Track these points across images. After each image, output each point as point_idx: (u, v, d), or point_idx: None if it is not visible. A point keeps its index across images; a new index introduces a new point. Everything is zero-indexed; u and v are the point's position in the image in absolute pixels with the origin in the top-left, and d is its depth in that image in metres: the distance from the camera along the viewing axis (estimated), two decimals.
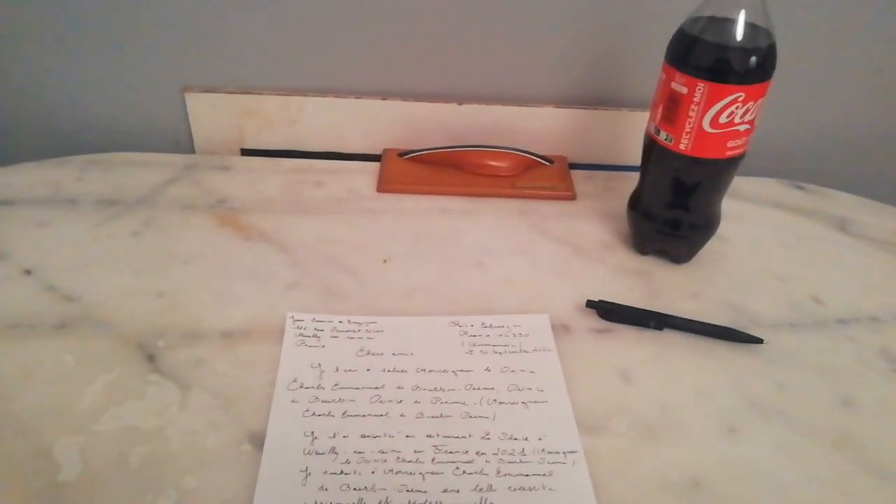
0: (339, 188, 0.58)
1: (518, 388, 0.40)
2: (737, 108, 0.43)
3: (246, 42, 0.59)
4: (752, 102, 0.43)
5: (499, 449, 0.37)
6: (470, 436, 0.37)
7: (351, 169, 0.60)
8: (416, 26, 0.58)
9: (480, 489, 0.34)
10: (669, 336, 0.45)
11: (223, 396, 0.39)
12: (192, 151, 0.63)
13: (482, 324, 0.45)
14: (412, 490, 0.34)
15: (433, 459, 0.36)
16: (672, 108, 0.45)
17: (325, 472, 0.35)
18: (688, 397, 0.41)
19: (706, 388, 0.41)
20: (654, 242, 0.51)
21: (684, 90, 0.44)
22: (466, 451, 0.36)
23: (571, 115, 0.62)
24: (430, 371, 0.41)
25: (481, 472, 0.35)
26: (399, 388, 0.40)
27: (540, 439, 0.37)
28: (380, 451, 0.36)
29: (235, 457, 0.36)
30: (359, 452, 0.36)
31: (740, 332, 0.44)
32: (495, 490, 0.34)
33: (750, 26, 0.42)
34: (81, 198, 0.54)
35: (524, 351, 0.43)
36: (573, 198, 0.58)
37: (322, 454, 0.36)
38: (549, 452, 0.36)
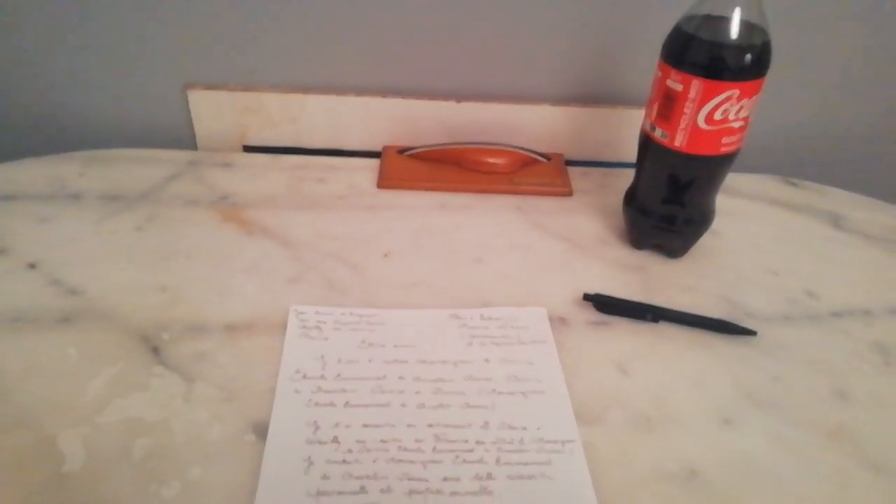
0: (340, 184, 0.58)
1: (517, 378, 0.41)
2: (731, 105, 0.44)
3: (248, 40, 0.59)
4: (746, 99, 0.44)
5: (498, 438, 0.37)
6: (470, 425, 0.38)
7: (351, 165, 0.61)
8: (416, 25, 0.58)
9: (480, 477, 0.35)
10: (665, 329, 0.45)
11: (227, 388, 0.39)
12: (195, 148, 0.64)
13: (481, 316, 0.45)
14: (413, 478, 0.35)
15: (434, 448, 0.36)
16: (667, 105, 0.46)
17: (328, 461, 0.35)
18: (683, 389, 0.41)
19: (701, 380, 0.42)
20: (650, 237, 0.52)
21: (679, 87, 0.45)
22: (466, 441, 0.37)
23: (568, 113, 0.62)
24: (430, 362, 0.42)
25: (481, 461, 0.36)
26: (400, 378, 0.40)
27: (538, 429, 0.38)
28: (381, 441, 0.37)
29: (239, 448, 0.36)
30: (360, 442, 0.37)
31: (734, 325, 0.45)
32: (494, 478, 0.35)
33: (745, 24, 0.42)
34: (84, 193, 0.55)
35: (522, 343, 0.43)
36: (570, 194, 0.59)
37: (324, 444, 0.36)
38: (547, 442, 0.37)
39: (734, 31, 0.43)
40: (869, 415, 0.40)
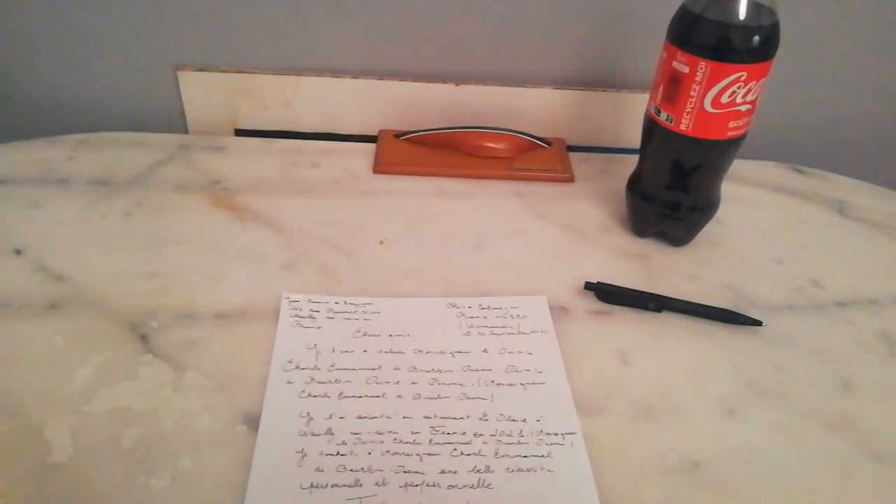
0: (335, 169, 0.57)
1: (516, 369, 0.40)
2: (739, 87, 0.43)
3: (240, 20, 0.57)
4: (754, 82, 0.43)
5: (497, 430, 0.36)
6: (468, 417, 0.37)
7: (346, 150, 0.59)
8: (414, 5, 0.57)
9: (478, 470, 0.34)
10: (668, 318, 0.44)
11: (217, 377, 0.38)
12: (186, 131, 0.62)
13: (480, 305, 0.44)
14: (409, 471, 0.34)
15: (430, 440, 0.35)
16: (673, 87, 0.45)
17: (322, 453, 0.34)
18: (686, 379, 0.40)
19: (705, 371, 0.41)
20: (653, 225, 0.51)
21: (686, 69, 0.43)
22: (464, 433, 0.36)
23: (570, 97, 0.61)
24: (427, 352, 0.41)
25: (479, 454, 0.35)
26: (396, 369, 0.39)
27: (538, 420, 0.37)
28: (376, 433, 0.36)
29: (230, 438, 0.35)
30: (355, 433, 0.36)
31: (739, 315, 0.44)
32: (493, 471, 0.34)
33: (753, 4, 0.41)
34: (73, 177, 0.53)
35: (522, 332, 0.42)
36: (571, 180, 0.58)
37: (318, 435, 0.35)
38: (548, 434, 0.36)
39: (742, 11, 0.41)
40: (873, 405, 0.40)
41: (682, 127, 0.45)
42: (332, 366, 0.39)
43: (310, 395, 0.37)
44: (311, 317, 0.42)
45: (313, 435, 0.35)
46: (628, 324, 0.44)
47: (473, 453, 0.35)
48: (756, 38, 0.42)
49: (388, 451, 0.35)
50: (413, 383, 0.39)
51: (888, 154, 0.66)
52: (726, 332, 0.44)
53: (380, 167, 0.57)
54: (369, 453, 0.35)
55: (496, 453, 0.35)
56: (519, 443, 0.36)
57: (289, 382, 0.38)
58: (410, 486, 0.33)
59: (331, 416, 0.36)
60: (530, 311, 0.44)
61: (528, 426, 0.37)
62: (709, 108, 0.44)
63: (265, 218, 0.51)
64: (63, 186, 0.52)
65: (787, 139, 0.65)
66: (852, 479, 0.35)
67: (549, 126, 0.62)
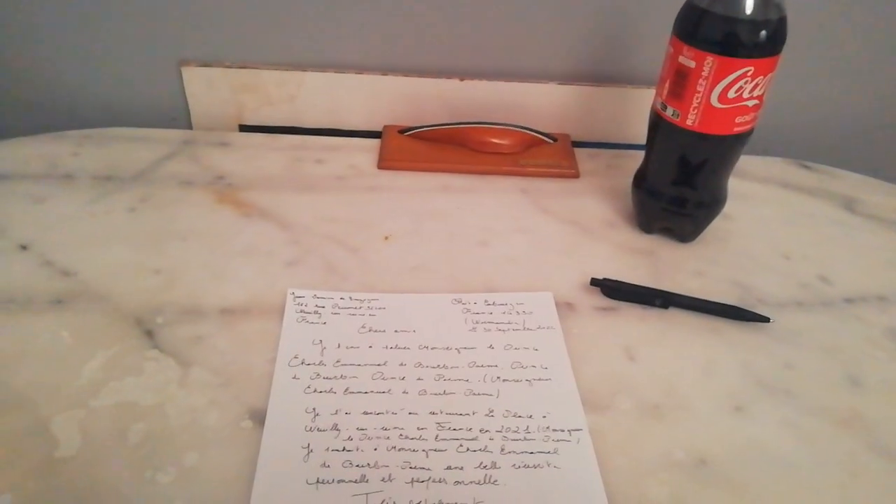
0: (340, 165, 0.57)
1: (522, 365, 0.40)
2: (746, 82, 0.42)
3: (244, 15, 0.57)
4: (761, 77, 0.43)
5: (503, 426, 0.36)
6: (474, 413, 0.37)
7: (351, 146, 0.59)
8: (418, 0, 0.57)
9: (484, 466, 0.34)
10: (675, 314, 0.44)
11: (223, 373, 0.38)
12: (190, 127, 0.62)
13: (485, 301, 0.44)
14: (415, 467, 0.34)
15: (436, 437, 0.35)
16: (679, 82, 0.44)
17: (327, 448, 0.34)
18: (693, 376, 0.40)
19: (712, 367, 0.41)
20: (659, 221, 0.51)
21: (692, 64, 0.43)
22: (470, 429, 0.36)
23: (575, 92, 0.61)
24: (432, 348, 0.40)
25: (485, 450, 0.35)
26: (402, 364, 0.39)
27: (544, 417, 0.37)
28: (382, 428, 0.36)
29: (236, 434, 0.35)
30: (361, 429, 0.35)
31: (747, 311, 0.44)
32: (499, 468, 0.34)
33: None
34: (77, 173, 0.53)
35: (528, 329, 0.42)
36: (577, 176, 0.57)
37: (324, 431, 0.35)
38: (554, 430, 0.36)
39: (749, 5, 0.41)
40: (882, 401, 0.39)
41: (689, 122, 0.45)
42: (338, 361, 0.39)
43: (315, 390, 0.37)
44: (316, 312, 0.42)
45: (319, 430, 0.35)
46: (634, 320, 0.44)
47: (479, 449, 0.35)
48: (763, 32, 0.41)
49: (393, 447, 0.35)
50: (419, 379, 0.38)
51: None
52: (734, 329, 0.43)
53: (384, 163, 0.57)
54: (375, 449, 0.35)
55: (502, 449, 0.35)
56: (525, 439, 0.36)
57: (294, 378, 0.38)
58: (416, 481, 0.33)
59: (336, 412, 0.36)
60: (536, 307, 0.44)
61: (534, 422, 0.36)
62: (715, 104, 0.43)
63: (270, 214, 0.51)
64: (68, 182, 0.52)
65: (794, 135, 0.65)
66: (861, 475, 0.35)
67: (555, 122, 0.62)
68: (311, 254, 0.47)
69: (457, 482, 0.33)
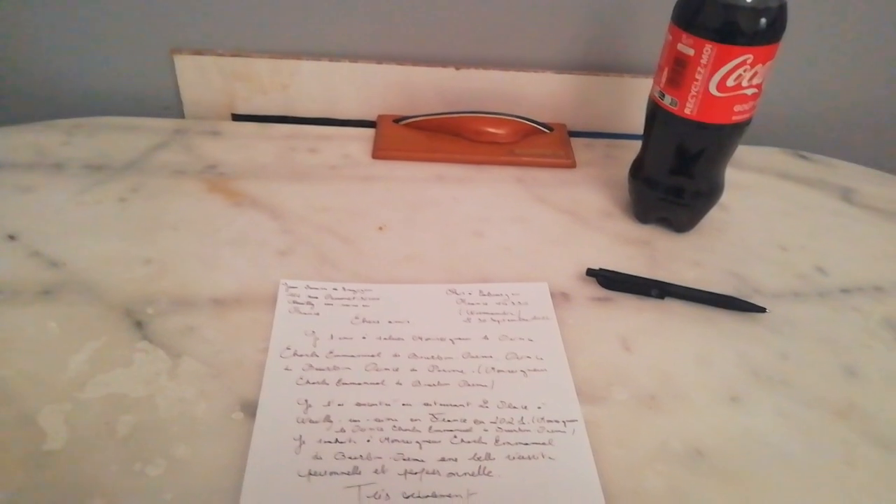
0: (333, 154, 0.56)
1: (517, 356, 0.39)
2: (745, 70, 0.42)
3: (237, 2, 0.56)
4: (760, 65, 0.42)
5: (497, 417, 0.36)
6: (468, 404, 0.36)
7: (345, 135, 0.59)
8: None
9: (479, 458, 0.34)
10: (671, 305, 0.44)
11: (214, 364, 0.38)
12: (182, 116, 0.61)
13: (480, 292, 0.44)
14: (409, 459, 0.33)
15: (430, 428, 0.35)
16: (678, 70, 0.44)
17: (320, 440, 0.34)
18: (689, 366, 0.40)
19: (708, 357, 0.40)
20: (656, 211, 0.50)
21: (691, 52, 0.43)
22: (464, 420, 0.35)
23: (572, 81, 0.60)
24: (426, 339, 0.40)
25: (479, 441, 0.34)
26: (395, 355, 0.39)
27: (539, 408, 0.36)
28: (375, 420, 0.35)
29: (227, 425, 0.35)
30: (354, 421, 0.35)
31: (743, 301, 0.43)
32: (494, 459, 0.34)
33: None
34: (67, 162, 0.53)
35: (523, 319, 0.42)
36: (573, 166, 0.57)
37: (316, 422, 0.35)
38: (549, 421, 0.36)
39: None
40: (879, 392, 0.39)
41: (687, 111, 0.44)
42: (331, 352, 0.39)
43: (308, 381, 0.37)
44: (309, 303, 0.42)
45: (311, 422, 0.35)
46: (631, 310, 0.43)
47: (474, 440, 0.34)
48: (763, 20, 0.41)
49: (387, 439, 0.34)
50: (412, 370, 0.38)
51: (894, 140, 0.65)
52: (730, 319, 0.43)
53: (379, 152, 0.56)
54: (368, 440, 0.34)
55: (497, 440, 0.35)
56: (520, 430, 0.35)
57: (286, 369, 0.38)
58: (410, 473, 0.33)
59: (329, 403, 0.36)
60: (531, 297, 0.43)
61: (528, 413, 0.36)
62: (714, 92, 0.43)
63: (262, 203, 0.50)
64: (57, 171, 0.52)
65: (791, 125, 0.64)
66: (857, 466, 0.35)
67: (551, 111, 0.61)
68: (304, 244, 0.47)
69: (450, 473, 0.33)
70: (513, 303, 0.43)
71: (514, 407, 0.36)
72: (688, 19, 0.42)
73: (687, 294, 0.44)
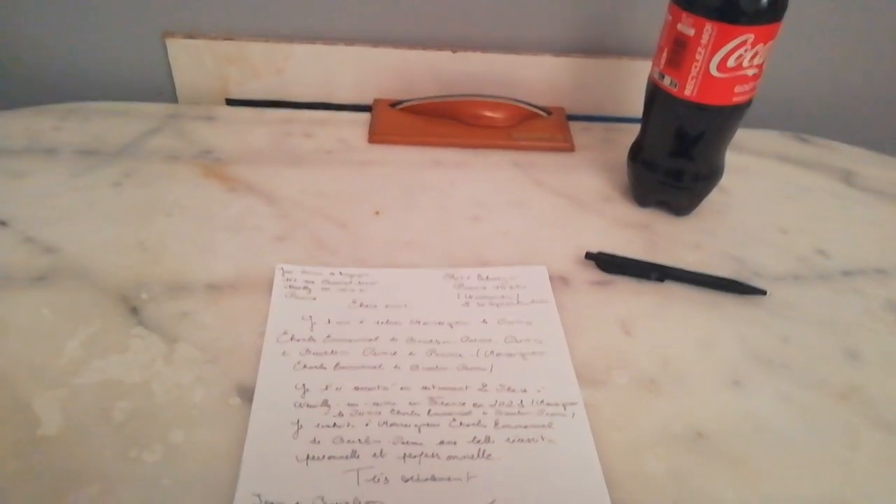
0: (329, 139, 0.55)
1: (516, 339, 0.39)
2: (745, 50, 0.41)
3: None
4: (761, 45, 0.41)
5: (496, 401, 0.35)
6: (466, 388, 0.36)
7: (341, 119, 0.58)
8: None
9: (478, 441, 0.33)
10: (671, 288, 0.43)
11: (210, 349, 0.37)
12: (175, 101, 0.61)
13: (478, 276, 0.43)
14: (407, 442, 0.33)
15: (429, 411, 0.35)
16: (678, 51, 0.43)
17: (318, 424, 0.34)
18: (690, 349, 0.39)
19: (709, 341, 0.40)
20: (655, 194, 0.50)
21: (691, 32, 0.42)
22: (463, 403, 0.35)
23: (570, 64, 0.59)
24: (424, 323, 0.40)
25: (479, 424, 0.34)
26: (393, 340, 0.38)
27: (539, 391, 0.36)
28: (374, 404, 0.35)
29: (224, 410, 0.34)
30: (352, 405, 0.35)
31: (744, 284, 0.43)
32: (493, 442, 0.33)
33: None
34: (60, 147, 0.52)
35: (521, 303, 0.41)
36: (571, 149, 0.56)
37: (314, 407, 0.35)
38: (549, 404, 0.35)
39: None
40: (881, 375, 0.39)
41: (687, 92, 0.44)
42: (328, 337, 0.38)
43: (305, 366, 0.37)
44: (305, 288, 0.41)
45: (309, 406, 0.35)
46: (630, 294, 0.43)
47: (473, 424, 0.34)
48: None
49: (385, 423, 0.34)
50: (411, 354, 0.38)
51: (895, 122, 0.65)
52: (730, 302, 0.43)
53: (375, 137, 0.55)
54: (366, 425, 0.34)
55: (496, 424, 0.34)
56: (519, 413, 0.35)
57: (284, 354, 0.37)
58: (409, 456, 0.32)
59: (327, 388, 0.35)
60: (530, 281, 0.43)
61: (528, 396, 0.36)
62: (714, 73, 0.42)
63: (258, 189, 0.49)
64: (50, 157, 0.51)
65: (791, 108, 0.64)
66: (859, 449, 0.35)
67: (549, 95, 0.60)
68: (300, 229, 0.46)
69: (450, 457, 0.33)
70: (511, 287, 0.43)
71: (514, 390, 0.36)
72: None
73: (687, 277, 0.44)
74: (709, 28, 0.41)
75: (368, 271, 0.43)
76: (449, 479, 0.32)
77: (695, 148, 0.46)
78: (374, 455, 0.32)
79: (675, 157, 0.47)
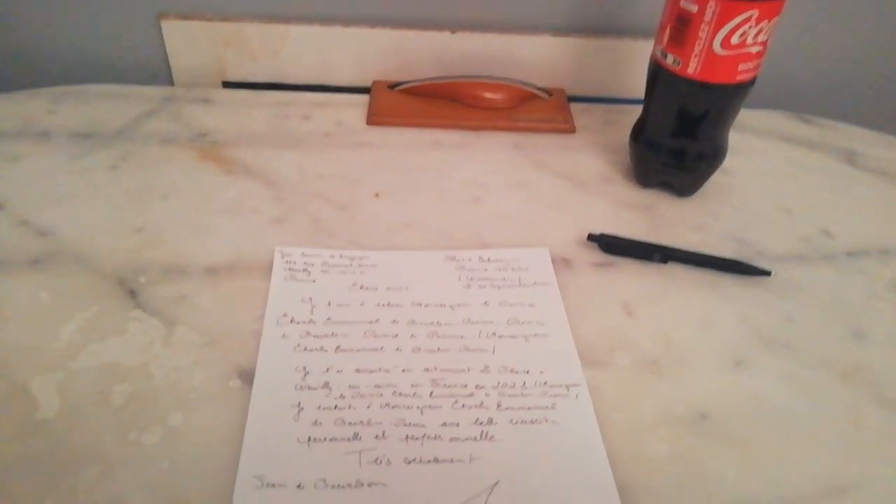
0: (327, 121, 0.55)
1: (518, 321, 0.39)
2: (749, 27, 0.41)
3: None
4: (765, 21, 0.41)
5: (499, 382, 0.35)
6: (469, 369, 0.36)
7: (339, 101, 0.57)
8: None
9: (481, 422, 0.33)
10: (673, 269, 0.43)
11: (209, 332, 0.37)
12: (171, 84, 0.60)
13: (479, 258, 0.43)
14: (410, 424, 0.33)
15: (431, 393, 0.34)
16: (681, 28, 0.42)
17: (319, 406, 0.33)
18: (693, 330, 0.39)
19: (712, 321, 0.40)
20: (658, 175, 0.49)
21: (694, 8, 0.41)
22: (465, 385, 0.35)
23: (571, 45, 0.58)
24: (426, 305, 0.39)
25: (481, 406, 0.34)
26: (394, 322, 0.38)
27: (541, 372, 0.36)
28: (375, 386, 0.35)
29: (223, 393, 0.34)
30: (353, 387, 0.34)
31: (747, 265, 0.43)
32: (496, 423, 0.33)
33: None
34: (54, 130, 0.51)
35: (524, 285, 0.41)
36: (572, 131, 0.56)
37: (315, 389, 0.34)
38: (552, 385, 0.35)
39: None
40: (886, 354, 0.38)
41: (690, 70, 0.43)
42: (328, 319, 0.38)
43: (305, 348, 0.36)
44: (305, 270, 0.41)
45: (310, 389, 0.34)
46: (633, 275, 0.43)
47: (475, 405, 0.34)
48: None
49: (387, 405, 0.34)
50: (412, 336, 0.37)
51: None
52: (734, 283, 0.42)
53: (374, 119, 0.55)
54: (368, 407, 0.34)
55: (499, 405, 0.34)
56: (522, 395, 0.35)
57: (283, 336, 0.37)
58: (411, 438, 0.32)
59: (328, 370, 0.35)
60: (532, 263, 0.43)
61: (531, 378, 0.35)
62: (718, 50, 0.42)
63: (255, 171, 0.49)
64: (44, 140, 0.50)
65: (794, 88, 0.63)
66: (864, 428, 0.35)
67: (550, 75, 0.60)
68: (298, 211, 0.46)
69: (452, 438, 0.32)
70: (513, 269, 0.42)
71: (516, 372, 0.36)
72: None
73: (690, 258, 0.43)
74: (712, 4, 0.40)
75: (368, 253, 0.42)
76: (452, 460, 0.31)
77: (698, 127, 0.46)
78: (377, 437, 0.32)
79: (677, 137, 0.46)
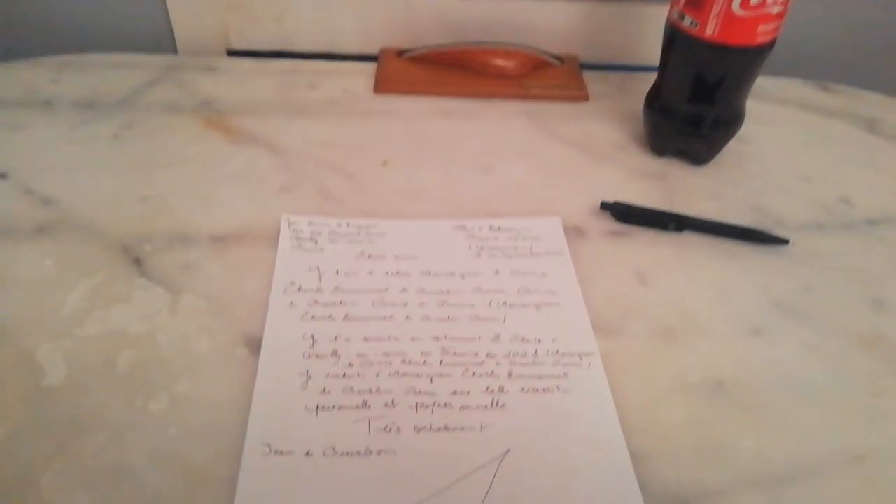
0: (334, 89, 0.54)
1: (529, 290, 0.38)
2: None
3: None
4: None
5: (510, 351, 0.34)
6: (479, 338, 0.35)
7: (346, 70, 0.56)
8: None
9: (492, 391, 0.33)
10: (689, 238, 0.42)
11: (216, 300, 0.36)
12: (175, 52, 0.59)
13: (490, 227, 0.42)
14: (420, 392, 0.32)
15: (441, 362, 0.34)
16: None
17: (327, 375, 0.33)
18: (709, 299, 0.38)
19: (728, 290, 0.39)
20: (673, 142, 0.48)
21: None
22: (476, 354, 0.34)
23: (584, 10, 0.57)
24: (435, 274, 0.39)
25: (492, 374, 0.33)
26: (403, 290, 0.37)
27: (553, 341, 0.35)
28: (384, 354, 0.34)
29: (230, 361, 0.34)
30: (362, 355, 0.34)
31: (765, 233, 0.42)
32: (507, 392, 0.33)
33: None
34: (58, 99, 0.50)
35: (535, 254, 0.40)
36: (585, 98, 0.54)
37: (323, 357, 0.34)
38: (564, 354, 0.34)
39: None
40: None
41: (708, 32, 0.42)
42: (337, 288, 0.37)
43: (313, 317, 0.36)
44: (312, 239, 0.40)
45: (318, 357, 0.34)
46: (647, 244, 0.42)
47: (486, 374, 0.33)
48: None
49: (396, 373, 0.33)
50: (421, 305, 0.37)
51: None
52: (752, 252, 0.41)
53: (381, 87, 0.54)
54: (377, 375, 0.33)
55: (510, 374, 0.33)
56: (534, 363, 0.34)
57: (291, 305, 0.36)
58: (422, 406, 0.32)
59: (336, 338, 0.35)
60: (543, 232, 0.42)
61: (542, 346, 0.35)
62: (737, 11, 0.40)
63: (261, 140, 0.48)
64: (47, 109, 0.50)
65: (814, 56, 0.61)
66: (883, 396, 0.34)
67: (562, 42, 0.58)
68: (306, 180, 0.45)
69: (463, 406, 0.32)
70: (524, 238, 0.41)
71: (528, 341, 0.35)
72: None
73: (706, 226, 0.42)
74: None
75: (377, 222, 0.42)
76: (462, 428, 0.31)
77: (716, 92, 0.44)
78: (386, 405, 0.32)
79: (694, 103, 0.45)
